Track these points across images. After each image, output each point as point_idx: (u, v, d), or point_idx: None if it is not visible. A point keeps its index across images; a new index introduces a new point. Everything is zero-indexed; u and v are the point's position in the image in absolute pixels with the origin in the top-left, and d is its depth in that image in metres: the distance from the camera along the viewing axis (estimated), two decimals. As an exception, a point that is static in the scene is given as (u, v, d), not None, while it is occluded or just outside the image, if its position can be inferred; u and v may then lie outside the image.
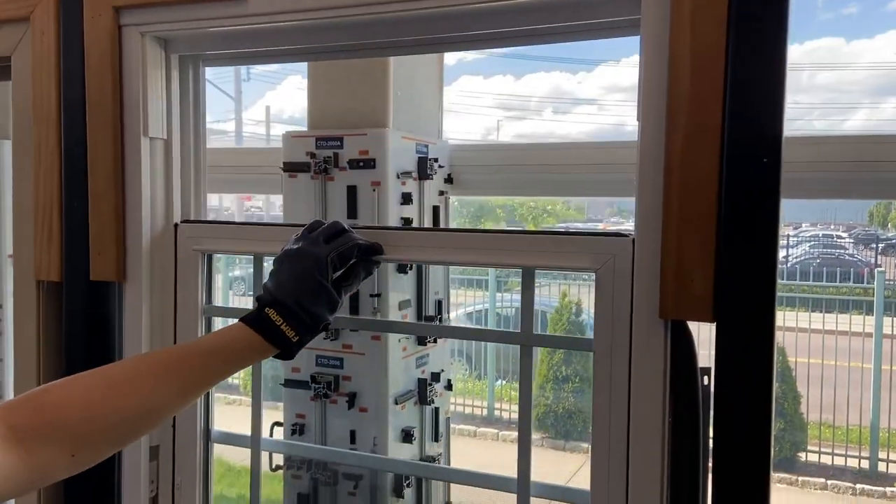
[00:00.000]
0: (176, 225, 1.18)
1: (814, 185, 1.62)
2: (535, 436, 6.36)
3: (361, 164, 2.19)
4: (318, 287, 0.96)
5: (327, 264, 0.97)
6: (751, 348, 0.83)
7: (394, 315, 2.28)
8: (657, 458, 0.90)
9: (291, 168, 2.23)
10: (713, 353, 0.87)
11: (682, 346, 0.89)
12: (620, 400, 0.93)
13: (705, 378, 0.90)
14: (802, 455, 6.00)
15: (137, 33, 1.13)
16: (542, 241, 0.98)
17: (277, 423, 2.43)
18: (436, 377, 2.44)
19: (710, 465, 0.87)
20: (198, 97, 1.21)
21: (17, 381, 1.26)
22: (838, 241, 15.81)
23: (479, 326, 7.43)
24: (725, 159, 0.83)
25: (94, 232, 1.16)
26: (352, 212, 2.21)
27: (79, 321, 1.18)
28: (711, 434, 0.87)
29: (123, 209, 1.15)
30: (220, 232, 1.18)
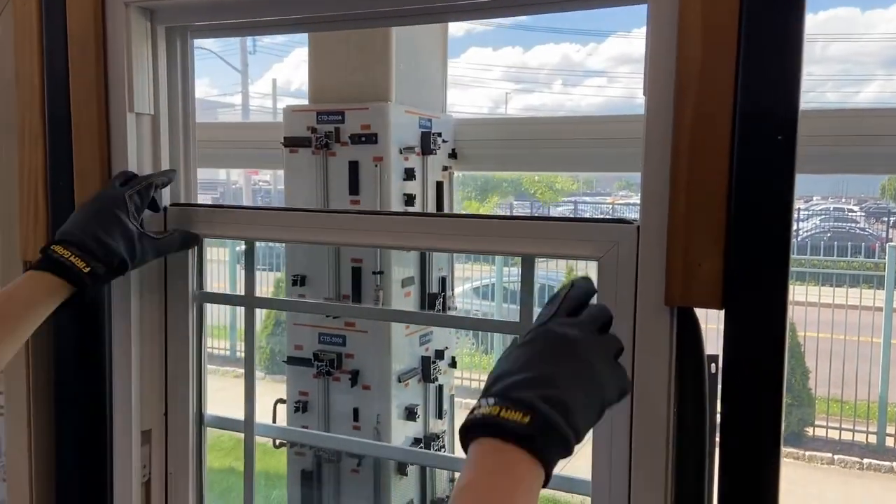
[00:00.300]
0: (165, 208, 1.14)
1: (826, 161, 1.57)
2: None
3: (363, 138, 2.14)
4: (113, 218, 0.96)
5: (125, 200, 0.98)
6: (761, 336, 0.79)
7: (396, 292, 2.24)
8: (661, 449, 0.87)
9: (292, 143, 2.19)
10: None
11: (689, 334, 0.85)
12: (623, 390, 0.89)
13: (713, 366, 0.86)
14: (810, 430, 5.99)
15: (121, 3, 1.08)
16: (542, 229, 0.94)
17: (281, 401, 2.41)
18: (440, 354, 2.42)
19: (718, 459, 0.84)
20: (186, 71, 1.16)
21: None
22: (850, 214, 15.68)
23: (486, 302, 7.43)
24: (737, 137, 0.79)
25: (81, 212, 1.12)
26: (353, 188, 2.17)
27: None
28: (719, 424, 0.84)
29: (110, 188, 1.11)
30: (212, 216, 1.13)
